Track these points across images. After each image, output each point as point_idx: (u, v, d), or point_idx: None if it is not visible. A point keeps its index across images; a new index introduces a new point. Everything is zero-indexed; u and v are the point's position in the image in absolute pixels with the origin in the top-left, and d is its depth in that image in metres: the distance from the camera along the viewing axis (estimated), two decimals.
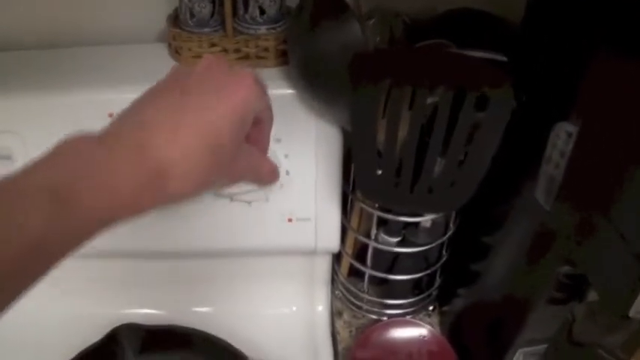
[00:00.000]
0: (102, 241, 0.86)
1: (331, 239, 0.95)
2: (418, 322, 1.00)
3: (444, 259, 1.00)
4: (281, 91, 0.85)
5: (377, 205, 0.90)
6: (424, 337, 0.98)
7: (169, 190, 0.55)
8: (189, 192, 0.57)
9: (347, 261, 1.04)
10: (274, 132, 0.82)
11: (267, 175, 0.73)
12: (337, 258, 1.07)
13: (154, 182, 0.54)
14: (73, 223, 0.50)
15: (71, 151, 0.53)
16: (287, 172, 0.88)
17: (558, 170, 0.70)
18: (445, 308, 1.07)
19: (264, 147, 0.72)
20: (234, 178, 0.66)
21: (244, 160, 0.65)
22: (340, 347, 1.03)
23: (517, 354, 0.88)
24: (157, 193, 0.55)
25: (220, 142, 0.58)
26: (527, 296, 0.83)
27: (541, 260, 0.78)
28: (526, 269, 0.82)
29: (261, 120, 0.69)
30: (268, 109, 0.69)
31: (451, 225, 0.95)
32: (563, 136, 0.68)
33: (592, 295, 0.79)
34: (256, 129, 0.69)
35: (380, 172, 0.76)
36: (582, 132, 0.66)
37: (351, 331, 1.06)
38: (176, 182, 0.55)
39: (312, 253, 0.97)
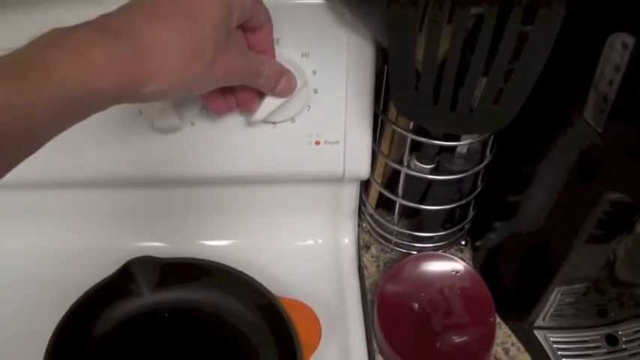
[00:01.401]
0: (115, 168, 0.87)
1: (361, 164, 0.91)
2: (451, 256, 0.96)
3: (479, 189, 0.97)
4: (309, 0, 0.79)
5: (411, 128, 0.85)
6: (457, 272, 0.94)
7: (147, 74, 0.56)
8: (168, 85, 0.58)
9: (376, 190, 1.01)
10: (302, 46, 0.79)
11: (272, 80, 0.75)
12: (365, 188, 1.03)
13: (131, 58, 0.55)
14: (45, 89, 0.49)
15: (47, 33, 0.53)
16: (315, 91, 0.84)
17: (612, 87, 0.66)
18: (478, 243, 1.04)
19: (266, 50, 0.74)
20: (224, 79, 0.67)
21: (236, 61, 0.67)
22: (368, 282, 1.00)
23: (555, 292, 0.87)
24: (134, 69, 0.55)
25: (201, 38, 0.60)
26: (569, 230, 0.80)
27: (588, 187, 0.75)
28: (570, 199, 0.78)
29: (258, 22, 0.70)
30: (259, 4, 0.69)
31: (488, 153, 0.91)
32: (618, 48, 0.64)
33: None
34: (255, 34, 0.71)
35: (418, 90, 0.71)
36: None
37: (378, 266, 1.03)
38: (154, 65, 0.56)
39: (339, 180, 0.93)
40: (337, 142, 0.89)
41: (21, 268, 0.99)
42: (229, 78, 0.68)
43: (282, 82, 0.76)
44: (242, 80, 0.71)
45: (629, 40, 0.62)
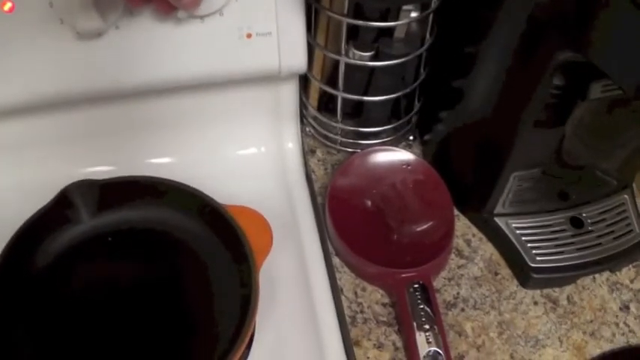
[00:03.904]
0: (40, 87, 0.85)
1: (297, 55, 0.89)
2: (400, 149, 0.96)
3: (423, 77, 0.96)
4: None
5: (346, 12, 0.84)
6: (408, 165, 0.95)
7: None
8: None
9: (316, 89, 1.00)
10: None
11: None
12: (305, 88, 1.02)
13: None
14: None
15: None
16: None
17: None
18: (427, 137, 1.04)
19: None
20: None
21: None
22: (317, 187, 1.00)
23: (510, 178, 0.87)
24: None
25: None
26: (517, 111, 0.80)
27: (535, 57, 0.74)
28: (517, 74, 0.78)
29: None
30: None
31: (428, 35, 0.91)
32: None
33: (594, 92, 0.77)
34: None
35: None
36: None
37: (326, 169, 1.03)
38: None
39: (276, 76, 0.91)
40: (269, 34, 0.86)
41: None
42: None
43: None
44: None
45: None
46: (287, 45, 0.88)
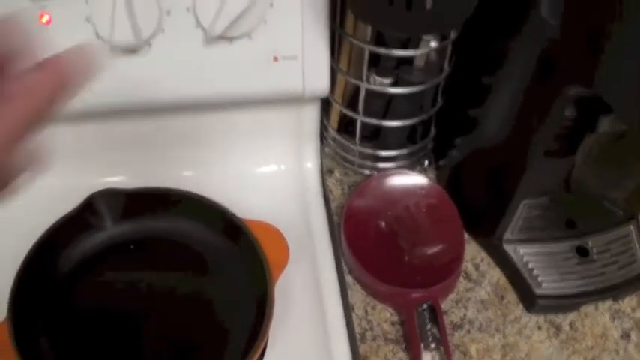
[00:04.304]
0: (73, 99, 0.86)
1: (320, 79, 0.93)
2: (416, 174, 1.00)
3: (440, 104, 0.99)
4: None
5: (368, 39, 0.87)
6: (422, 189, 0.97)
7: None
8: None
9: (337, 112, 1.03)
10: None
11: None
12: (326, 111, 1.05)
13: None
14: None
15: None
16: (270, 4, 0.85)
17: None
18: (442, 162, 1.07)
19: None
20: None
21: None
22: (333, 206, 1.03)
23: (520, 206, 0.89)
24: None
25: None
26: (529, 141, 0.82)
27: (547, 89, 0.77)
28: (529, 105, 0.81)
29: None
30: None
31: (446, 65, 0.94)
32: None
33: (602, 126, 0.78)
34: None
35: None
36: None
37: (343, 189, 1.06)
38: None
39: (299, 99, 0.94)
40: (295, 58, 0.90)
41: None
42: None
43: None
44: None
45: None
46: (311, 69, 0.91)
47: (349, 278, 0.94)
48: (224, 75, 0.90)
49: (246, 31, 0.86)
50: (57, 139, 0.89)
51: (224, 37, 0.85)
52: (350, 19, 0.89)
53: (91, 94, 0.84)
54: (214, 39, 0.85)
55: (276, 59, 0.90)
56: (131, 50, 0.86)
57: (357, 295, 0.93)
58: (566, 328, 0.92)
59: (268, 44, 0.89)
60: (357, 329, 0.90)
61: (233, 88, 0.92)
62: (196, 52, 0.88)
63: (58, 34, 0.80)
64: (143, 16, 0.83)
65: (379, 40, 0.88)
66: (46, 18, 0.84)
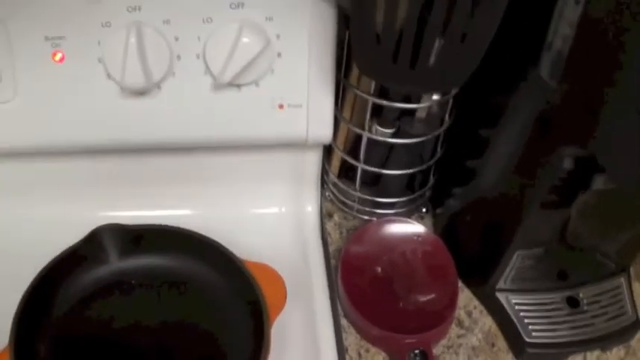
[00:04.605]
0: (80, 134, 0.91)
1: (324, 127, 0.95)
2: (413, 221, 1.02)
3: (439, 155, 1.02)
4: None
5: (372, 92, 0.90)
6: (419, 236, 0.99)
7: None
8: None
9: (338, 158, 1.06)
10: (266, 10, 0.83)
11: None
12: (327, 157, 1.08)
13: None
14: None
15: None
16: (279, 54, 0.88)
17: (565, 43, 0.71)
18: (439, 211, 1.09)
19: None
20: None
21: None
22: (331, 249, 1.05)
23: (514, 256, 0.91)
24: None
25: None
26: (524, 194, 0.85)
27: (543, 146, 0.79)
28: (525, 161, 0.83)
29: None
30: None
31: (447, 117, 0.97)
32: (571, 4, 0.69)
33: (597, 183, 0.80)
34: None
35: (379, 50, 0.76)
36: None
37: (341, 233, 1.08)
38: None
39: (302, 145, 0.97)
40: (300, 106, 0.92)
41: None
42: None
43: None
44: None
45: None
46: (315, 117, 0.94)
47: (344, 321, 0.96)
48: (230, 119, 0.93)
49: (254, 79, 0.88)
50: (66, 172, 0.93)
51: (232, 84, 0.88)
52: (354, 70, 0.92)
53: (100, 131, 0.88)
54: (223, 85, 0.87)
55: (281, 107, 0.92)
56: (141, 91, 0.89)
57: (351, 337, 0.95)
58: None
59: (275, 92, 0.91)
60: None
61: (239, 133, 0.94)
62: (204, 96, 0.91)
63: (70, 72, 0.86)
64: (154, 59, 0.85)
65: (382, 92, 0.91)
66: (59, 56, 0.86)
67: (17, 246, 0.99)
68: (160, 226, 0.93)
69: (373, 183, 1.06)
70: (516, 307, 0.96)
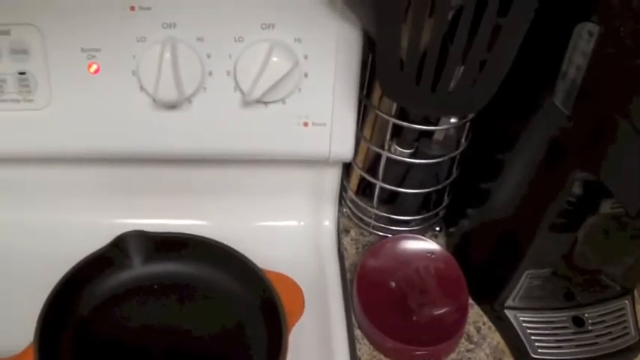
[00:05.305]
0: (109, 144, 0.94)
1: (346, 146, 0.98)
2: (427, 239, 1.05)
3: (454, 176, 1.05)
4: None
5: (393, 113, 0.94)
6: (432, 254, 1.02)
7: None
8: None
9: (357, 176, 1.09)
10: (295, 32, 0.86)
11: None
12: (347, 174, 1.11)
13: None
14: None
15: None
16: (305, 74, 0.91)
17: (579, 72, 0.74)
18: (452, 230, 1.12)
19: None
20: None
21: None
22: (347, 263, 1.07)
23: (524, 275, 0.93)
24: None
25: None
26: (535, 217, 0.87)
27: (555, 171, 0.82)
28: (538, 185, 0.86)
29: None
30: None
31: (463, 140, 1.00)
32: (585, 36, 0.72)
33: (604, 207, 0.84)
34: None
35: (402, 74, 0.79)
36: (604, 32, 0.69)
37: (357, 248, 1.11)
38: None
39: (324, 161, 1.00)
40: (324, 124, 0.95)
41: (8, 244, 1.03)
42: None
43: None
44: None
45: (595, 29, 0.70)
46: (338, 136, 0.97)
47: (358, 332, 0.99)
48: (257, 134, 0.96)
49: (281, 97, 0.92)
50: (92, 179, 0.97)
51: (260, 101, 0.91)
52: (377, 91, 0.96)
53: (131, 142, 0.92)
54: (251, 102, 0.91)
55: (306, 124, 0.95)
56: (173, 105, 0.92)
57: (364, 348, 0.97)
58: None
59: (300, 110, 0.94)
60: None
61: (264, 147, 0.97)
62: (233, 111, 0.94)
63: (105, 84, 0.90)
64: (187, 74, 0.89)
65: (402, 113, 0.94)
66: (94, 68, 0.90)
67: (44, 248, 1.03)
68: (183, 234, 0.96)
69: (390, 201, 1.10)
70: (524, 325, 0.98)
